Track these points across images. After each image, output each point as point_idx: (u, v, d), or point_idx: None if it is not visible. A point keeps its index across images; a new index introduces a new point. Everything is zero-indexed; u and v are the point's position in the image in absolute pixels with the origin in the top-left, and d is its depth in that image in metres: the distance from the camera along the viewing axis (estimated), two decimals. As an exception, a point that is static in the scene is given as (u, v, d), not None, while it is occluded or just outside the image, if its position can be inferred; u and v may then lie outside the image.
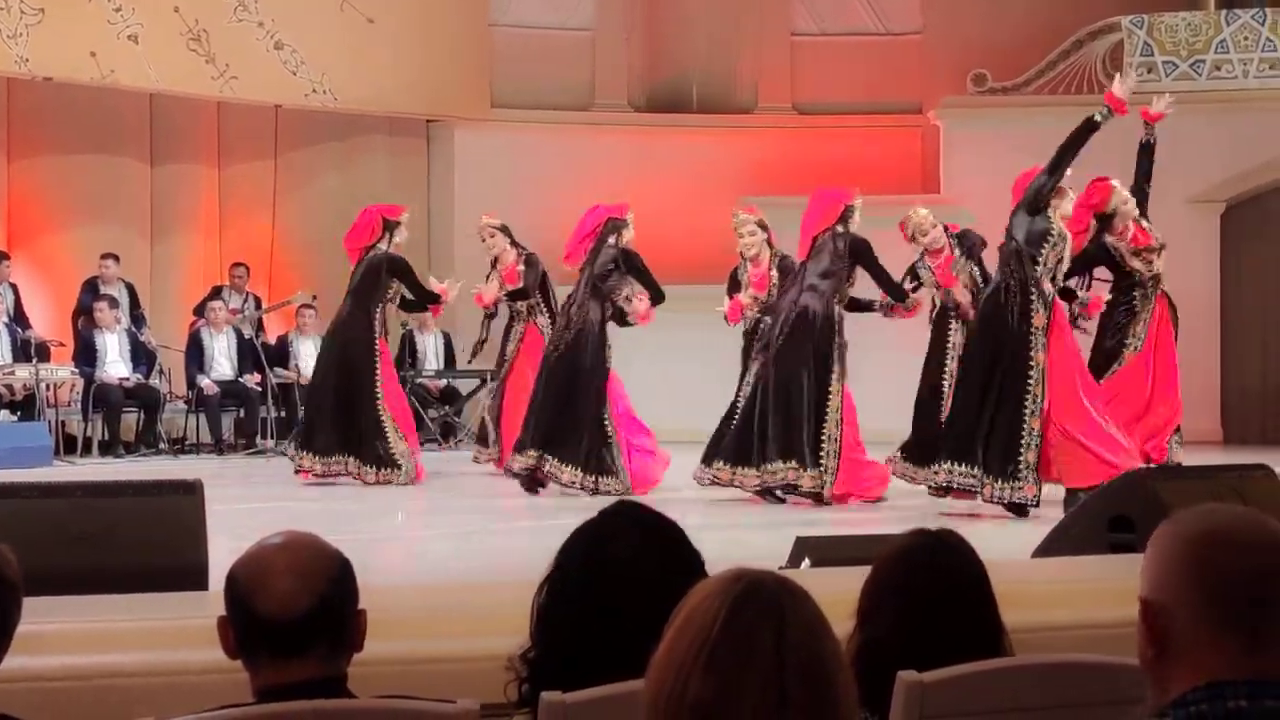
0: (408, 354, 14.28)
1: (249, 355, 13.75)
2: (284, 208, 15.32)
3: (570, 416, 10.10)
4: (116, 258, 13.50)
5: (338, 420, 10.66)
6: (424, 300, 11.65)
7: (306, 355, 14.15)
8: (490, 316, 11.92)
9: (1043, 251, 8.95)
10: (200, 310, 13.98)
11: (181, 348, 13.85)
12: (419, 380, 14.20)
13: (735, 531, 8.09)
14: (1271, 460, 6.04)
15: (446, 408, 14.42)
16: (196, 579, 4.32)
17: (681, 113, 16.37)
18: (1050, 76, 15.67)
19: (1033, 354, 8.74)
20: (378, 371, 10.80)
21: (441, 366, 14.60)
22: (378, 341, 10.93)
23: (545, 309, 11.60)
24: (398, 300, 11.41)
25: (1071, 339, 9.32)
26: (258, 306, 14.52)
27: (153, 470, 11.13)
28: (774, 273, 10.51)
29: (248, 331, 14.00)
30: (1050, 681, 2.59)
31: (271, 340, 14.36)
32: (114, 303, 13.24)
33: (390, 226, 11.16)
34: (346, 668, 2.44)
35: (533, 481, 10.14)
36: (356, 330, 10.90)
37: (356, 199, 15.32)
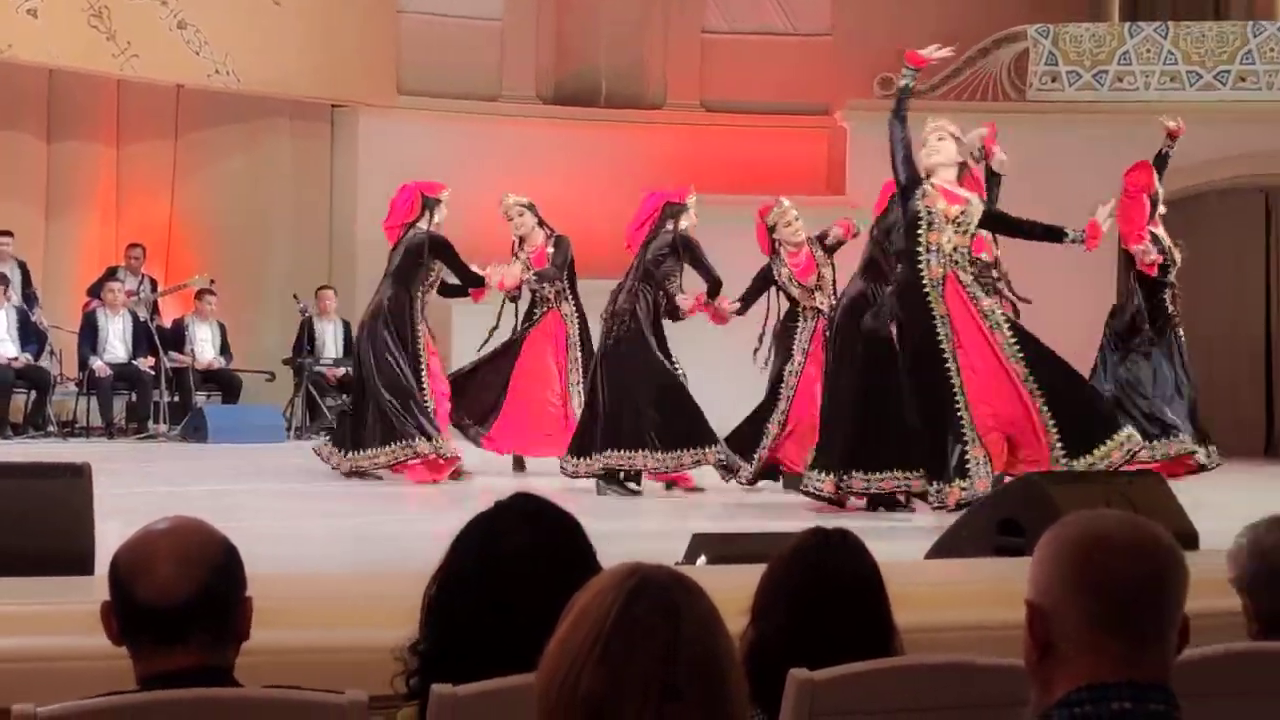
0: (305, 341, 14.15)
1: (143, 338, 13.56)
2: (184, 189, 15.11)
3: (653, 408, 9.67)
4: (10, 234, 13.28)
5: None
6: (468, 283, 10.90)
7: (202, 339, 14.01)
8: (513, 300, 11.07)
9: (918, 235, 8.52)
10: (95, 291, 13.77)
11: (74, 328, 13.63)
12: (317, 369, 14.07)
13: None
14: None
15: (344, 396, 14.30)
16: (83, 564, 4.27)
17: (589, 106, 16.35)
18: (956, 82, 15.83)
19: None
20: (423, 359, 10.37)
21: (340, 354, 14.48)
22: (421, 325, 10.46)
23: (570, 295, 11.12)
24: (437, 285, 10.78)
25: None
26: (153, 289, 14.33)
27: (41, 453, 10.97)
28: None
29: (143, 314, 13.82)
30: (940, 681, 2.62)
31: (167, 324, 14.18)
32: (4, 280, 13.02)
33: (430, 204, 10.58)
34: (234, 657, 2.42)
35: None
36: (400, 314, 10.37)
37: (258, 183, 15.22)
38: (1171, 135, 10.98)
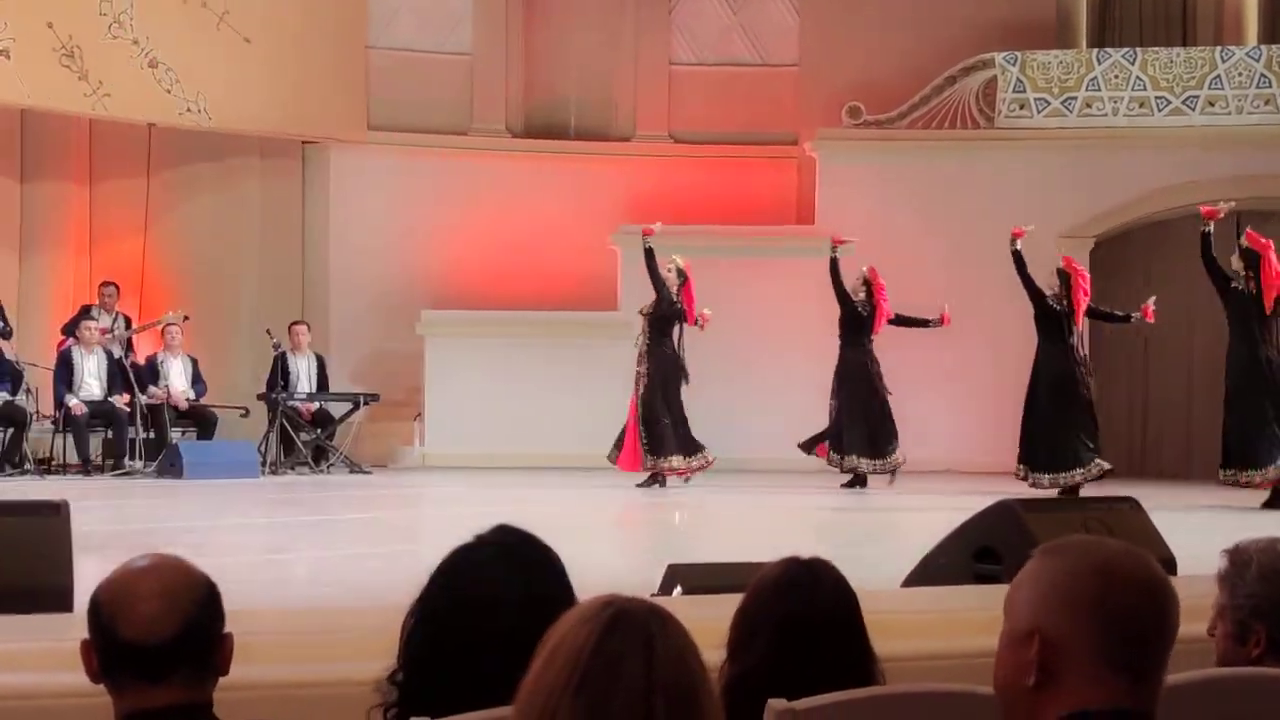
0: (279, 376, 14.12)
1: (118, 375, 13.52)
2: (156, 227, 15.09)
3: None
4: None
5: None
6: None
7: (175, 375, 13.96)
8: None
9: None
10: (69, 329, 13.72)
11: (49, 366, 13.58)
12: (290, 403, 14.04)
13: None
14: (1139, 492, 6.16)
15: (319, 431, 14.28)
16: (61, 600, 4.25)
17: (559, 139, 16.38)
18: (924, 110, 15.90)
19: None
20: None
21: (313, 389, 14.45)
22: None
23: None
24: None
25: None
26: (127, 326, 14.28)
27: (18, 490, 10.88)
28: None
29: (117, 351, 13.77)
30: (919, 710, 2.62)
31: (141, 360, 14.13)
32: None
33: None
34: (212, 692, 2.41)
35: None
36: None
37: (230, 219, 15.22)
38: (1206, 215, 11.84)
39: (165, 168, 15.12)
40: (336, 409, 14.49)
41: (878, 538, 9.26)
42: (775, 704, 2.49)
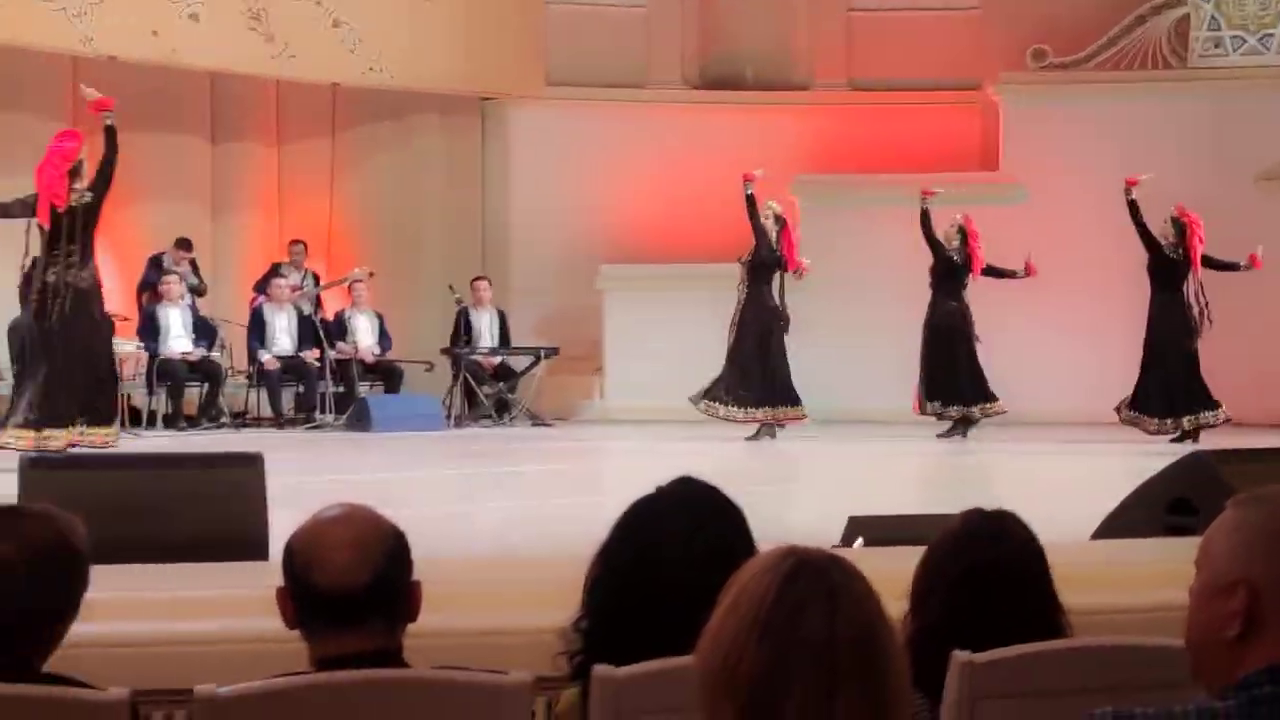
0: (462, 331, 14.34)
1: (308, 331, 13.84)
2: (341, 186, 15.39)
3: None
4: (190, 245, 13.68)
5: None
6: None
7: (362, 330, 14.25)
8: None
9: None
10: (261, 287, 14.10)
11: (242, 323, 13.97)
12: (473, 357, 14.25)
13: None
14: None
15: (501, 384, 14.47)
16: (257, 549, 4.37)
17: (736, 89, 16.27)
18: (1113, 52, 15.47)
19: None
20: None
21: (496, 343, 14.65)
22: None
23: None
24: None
25: None
26: (316, 283, 14.61)
27: (215, 443, 11.24)
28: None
29: (306, 308, 14.10)
30: (1106, 663, 2.58)
31: (329, 316, 14.45)
32: (182, 278, 13.43)
33: None
34: (402, 639, 2.47)
35: None
36: None
37: (412, 176, 15.43)
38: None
39: (349, 127, 15.39)
40: (518, 363, 14.67)
41: (1055, 491, 9.08)
42: (959, 656, 2.48)
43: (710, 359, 12.66)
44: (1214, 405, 12.19)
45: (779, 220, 12.56)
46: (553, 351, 14.65)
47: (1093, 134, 14.94)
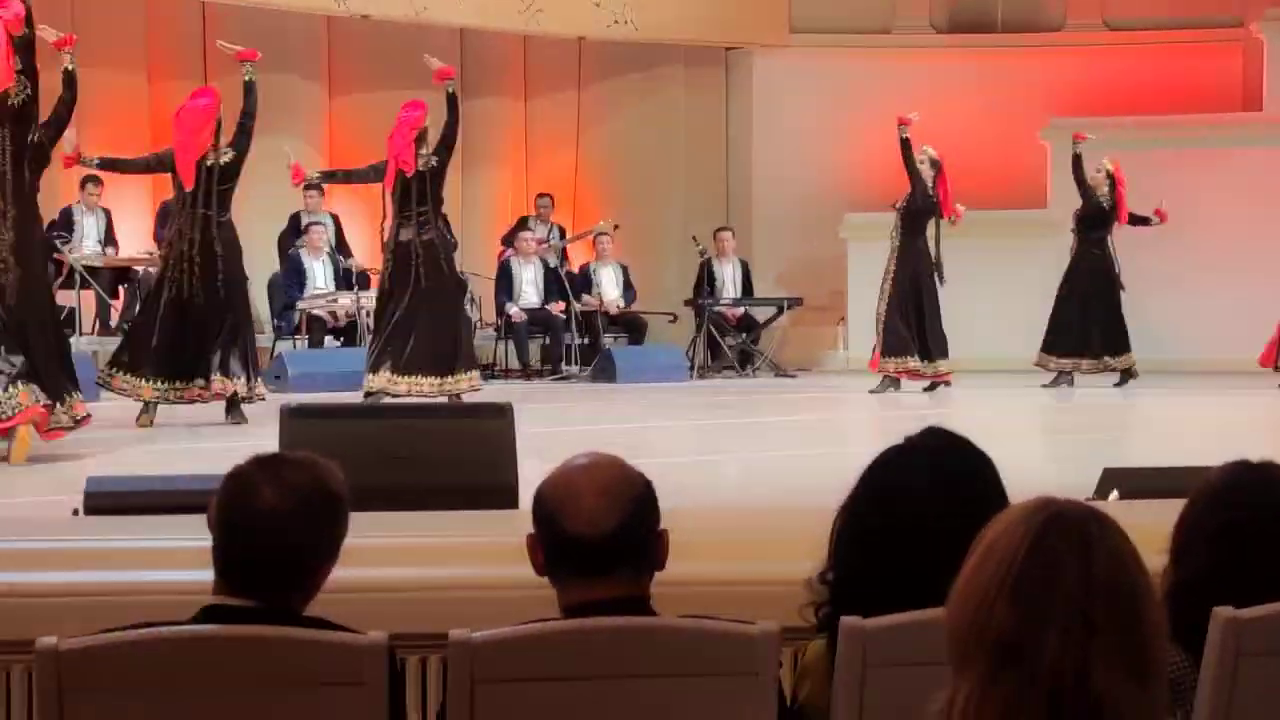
0: (705, 282, 14.38)
1: (554, 284, 14.05)
2: (587, 139, 15.55)
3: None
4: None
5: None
6: None
7: (607, 282, 14.40)
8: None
9: None
10: (508, 240, 14.35)
11: (490, 276, 14.24)
12: (716, 309, 14.29)
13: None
14: None
15: (744, 335, 14.49)
16: (507, 497, 4.45)
17: (986, 33, 15.94)
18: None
19: None
20: None
21: (739, 294, 14.67)
22: None
23: None
24: None
25: None
26: (562, 236, 14.81)
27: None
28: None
29: (553, 261, 14.31)
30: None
31: (575, 269, 14.64)
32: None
33: None
34: (649, 586, 2.49)
35: None
36: None
37: (656, 128, 15.51)
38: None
39: (594, 80, 15.52)
40: (761, 314, 14.67)
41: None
42: (1221, 612, 2.41)
43: (957, 307, 12.52)
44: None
45: (935, 164, 12.22)
46: (796, 302, 14.61)
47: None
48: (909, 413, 10.56)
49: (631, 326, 14.51)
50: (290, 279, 13.31)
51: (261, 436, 6.35)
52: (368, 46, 14.48)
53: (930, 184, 12.19)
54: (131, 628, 2.35)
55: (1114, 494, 4.70)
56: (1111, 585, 1.64)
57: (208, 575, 2.49)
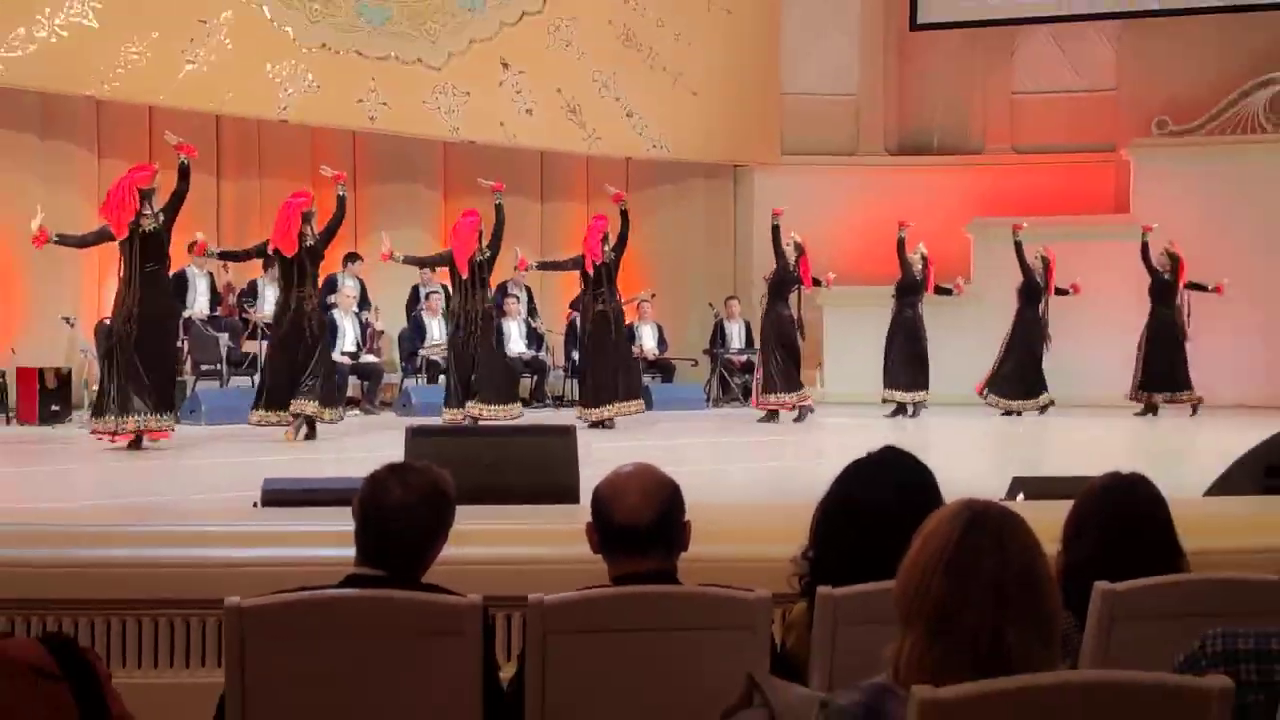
0: (718, 336, 14.37)
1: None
2: (633, 232, 15.52)
3: None
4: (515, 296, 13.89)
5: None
6: None
7: (647, 336, 14.38)
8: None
9: None
10: (575, 304, 14.34)
11: (561, 332, 14.23)
12: (726, 356, 14.25)
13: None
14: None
15: (747, 376, 14.40)
16: (571, 495, 4.45)
17: (926, 154, 15.96)
18: (1220, 121, 14.68)
19: None
20: None
21: (743, 345, 14.58)
22: None
23: None
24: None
25: None
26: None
27: (540, 419, 11.51)
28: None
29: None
30: (1218, 593, 2.44)
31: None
32: (516, 299, 13.74)
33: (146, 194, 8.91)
34: (676, 563, 2.48)
35: None
36: None
37: (683, 225, 15.53)
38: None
39: (638, 189, 15.50)
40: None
41: (1177, 457, 8.64)
42: (1101, 586, 2.38)
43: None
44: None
45: (798, 248, 11.95)
46: (785, 352, 14.54)
47: (1203, 186, 14.29)
48: (871, 435, 10.49)
49: (664, 369, 14.48)
50: (414, 333, 13.34)
51: (392, 447, 6.36)
52: (474, 164, 14.56)
53: (793, 262, 11.93)
54: (294, 590, 2.35)
55: (1020, 496, 4.66)
56: (1019, 566, 1.62)
57: (350, 552, 2.49)
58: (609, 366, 10.76)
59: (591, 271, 10.98)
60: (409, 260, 11.62)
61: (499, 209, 10.62)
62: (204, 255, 10.54)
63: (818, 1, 16.09)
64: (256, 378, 10.51)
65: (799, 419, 11.77)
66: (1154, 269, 12.72)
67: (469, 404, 10.05)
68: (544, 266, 12.40)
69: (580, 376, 11.27)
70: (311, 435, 9.29)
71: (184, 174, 8.67)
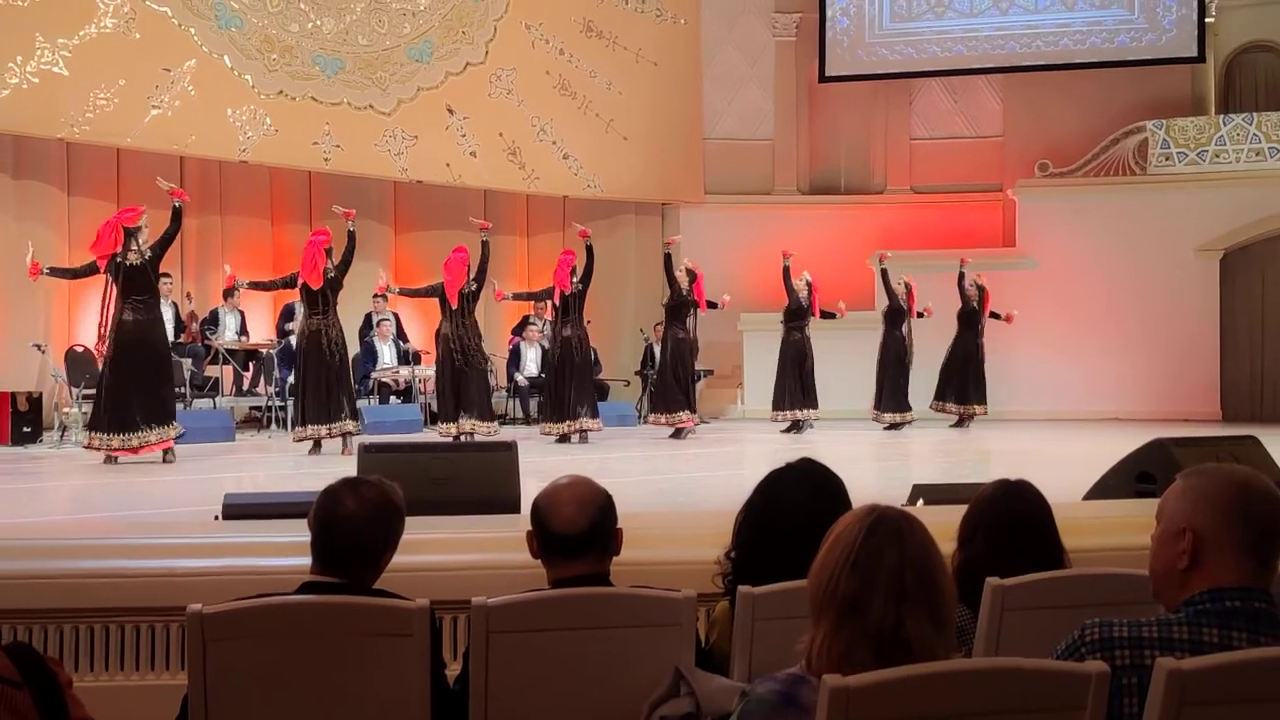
0: (648, 358, 14.34)
1: (549, 360, 13.91)
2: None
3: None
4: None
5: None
6: None
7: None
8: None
9: None
10: (518, 330, 14.30)
11: (504, 355, 14.15)
12: (653, 377, 14.23)
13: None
14: (1260, 434, 5.68)
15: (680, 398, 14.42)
16: (512, 506, 4.42)
17: (834, 194, 16.17)
18: (1095, 164, 15.06)
19: None
20: None
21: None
22: None
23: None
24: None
25: None
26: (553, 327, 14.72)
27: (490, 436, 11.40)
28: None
29: (547, 345, 14.21)
30: (1097, 586, 2.48)
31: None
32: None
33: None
34: (609, 566, 2.47)
35: None
36: None
37: (616, 257, 15.53)
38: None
39: (573, 224, 15.54)
40: (686, 380, 14.63)
41: (1052, 464, 8.79)
42: (992, 581, 2.41)
43: (819, 375, 12.59)
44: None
45: (690, 274, 11.86)
46: (709, 372, 14.62)
47: (1081, 221, 14.63)
48: (787, 447, 10.55)
49: (599, 389, 14.44)
50: (366, 358, 13.20)
51: (345, 462, 6.27)
52: (421, 202, 14.49)
53: (687, 287, 11.78)
54: (253, 597, 2.31)
55: (920, 501, 4.70)
56: (918, 564, 1.64)
57: (306, 561, 2.45)
58: (575, 386, 10.79)
59: (558, 302, 11.11)
60: (404, 292, 11.53)
61: (484, 245, 10.60)
62: (234, 286, 10.57)
63: (736, 56, 16.28)
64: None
65: (676, 435, 11.39)
66: (965, 296, 12.95)
67: (461, 419, 10.20)
68: (519, 297, 12.40)
69: (546, 395, 11.21)
70: (317, 450, 9.29)
71: (176, 216, 8.64)
